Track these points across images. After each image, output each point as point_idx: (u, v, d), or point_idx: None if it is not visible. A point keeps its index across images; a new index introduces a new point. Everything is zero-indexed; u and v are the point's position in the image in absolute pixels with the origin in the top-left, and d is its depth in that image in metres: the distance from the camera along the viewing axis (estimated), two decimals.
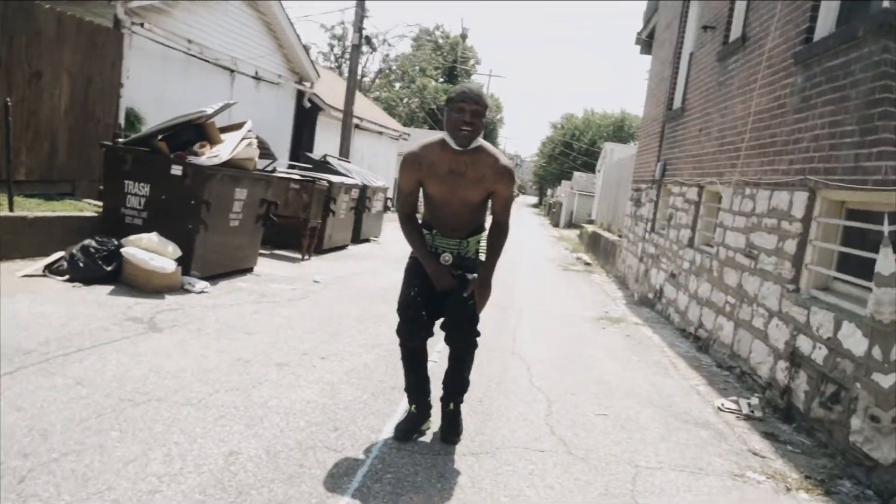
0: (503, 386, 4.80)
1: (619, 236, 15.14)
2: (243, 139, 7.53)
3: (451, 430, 3.62)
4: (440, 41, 57.06)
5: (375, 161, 23.62)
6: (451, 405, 3.65)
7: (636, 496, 3.28)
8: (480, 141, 3.35)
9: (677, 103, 10.50)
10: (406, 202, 3.54)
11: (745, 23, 7.39)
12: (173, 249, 6.44)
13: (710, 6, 8.93)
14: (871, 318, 3.91)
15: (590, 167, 55.02)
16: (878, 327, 3.83)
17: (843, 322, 4.23)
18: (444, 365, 3.69)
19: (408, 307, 3.50)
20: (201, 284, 6.68)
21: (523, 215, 56.01)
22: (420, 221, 3.65)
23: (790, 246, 5.21)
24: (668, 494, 3.35)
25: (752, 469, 3.77)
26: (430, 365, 3.76)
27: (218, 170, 6.92)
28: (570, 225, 40.19)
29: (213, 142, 7.31)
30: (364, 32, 18.38)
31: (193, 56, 12.14)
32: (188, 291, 6.47)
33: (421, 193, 3.57)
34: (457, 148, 3.27)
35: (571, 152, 62.22)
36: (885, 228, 3.94)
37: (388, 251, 12.83)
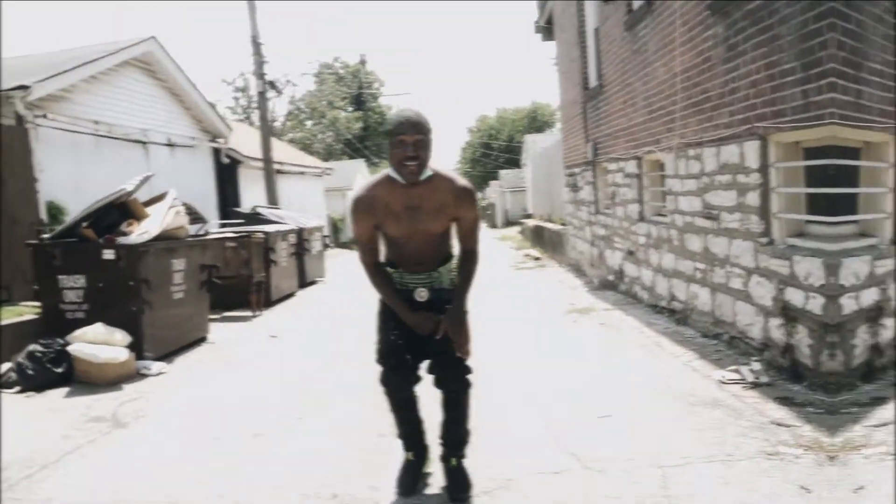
0: (493, 405, 4.44)
1: (563, 224, 15.02)
2: (170, 209, 7.28)
3: (459, 487, 3.25)
4: (341, 72, 56.84)
5: (304, 202, 23.13)
6: (454, 461, 3.30)
7: (673, 502, 2.99)
8: (431, 168, 3.06)
9: (594, 81, 10.39)
10: (367, 251, 3.21)
11: None
12: (122, 336, 6.17)
13: None
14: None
15: (514, 163, 55.50)
16: None
17: (843, 262, 4.04)
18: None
19: (389, 354, 3.22)
20: (157, 366, 6.35)
21: None
22: (384, 260, 3.33)
23: (752, 198, 5.02)
24: (705, 493, 3.05)
25: (785, 443, 3.50)
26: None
27: (150, 245, 6.71)
28: (508, 223, 40.29)
29: (140, 218, 7.08)
30: (266, 78, 18.09)
31: (103, 136, 11.67)
32: (146, 376, 6.12)
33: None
34: (404, 181, 3.03)
35: (492, 152, 62.63)
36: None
37: (336, 291, 12.43)
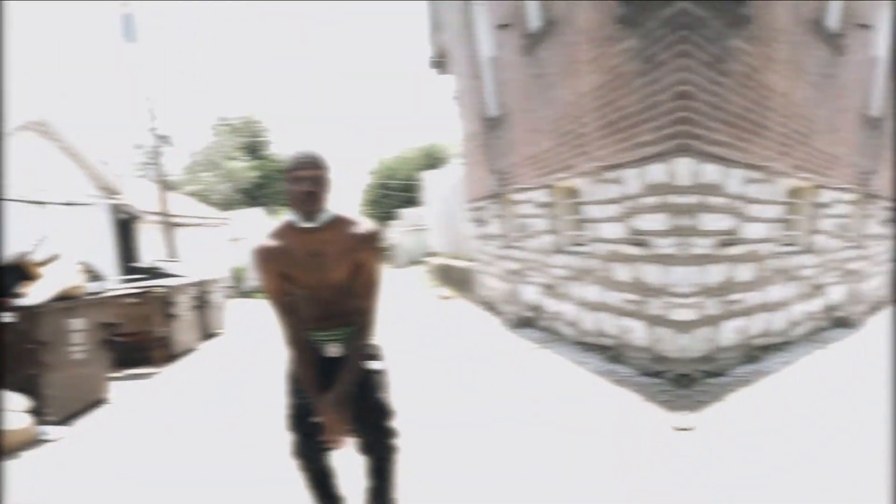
0: (430, 469, 3.76)
1: (471, 261, 14.56)
2: (64, 268, 7.23)
3: None
4: (235, 123, 56.73)
5: (204, 253, 22.70)
6: None
7: None
8: (333, 211, 2.94)
9: (494, 111, 9.99)
10: (280, 304, 2.97)
11: (544, 9, 6.93)
12: (20, 401, 5.94)
13: (500, 6, 8.49)
14: None
15: (413, 202, 55.33)
16: None
17: None
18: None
19: (301, 420, 2.95)
20: (56, 432, 6.10)
21: None
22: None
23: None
24: None
25: None
26: None
27: (47, 306, 6.58)
28: (411, 263, 39.77)
29: (35, 279, 6.97)
30: (158, 132, 18.19)
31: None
32: (45, 442, 5.87)
33: None
34: (305, 225, 2.88)
35: (391, 192, 62.44)
36: None
37: (238, 343, 11.76)
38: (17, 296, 6.61)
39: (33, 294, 6.66)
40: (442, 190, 18.34)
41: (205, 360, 10.22)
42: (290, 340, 2.95)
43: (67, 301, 7.02)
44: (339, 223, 2.93)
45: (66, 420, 6.55)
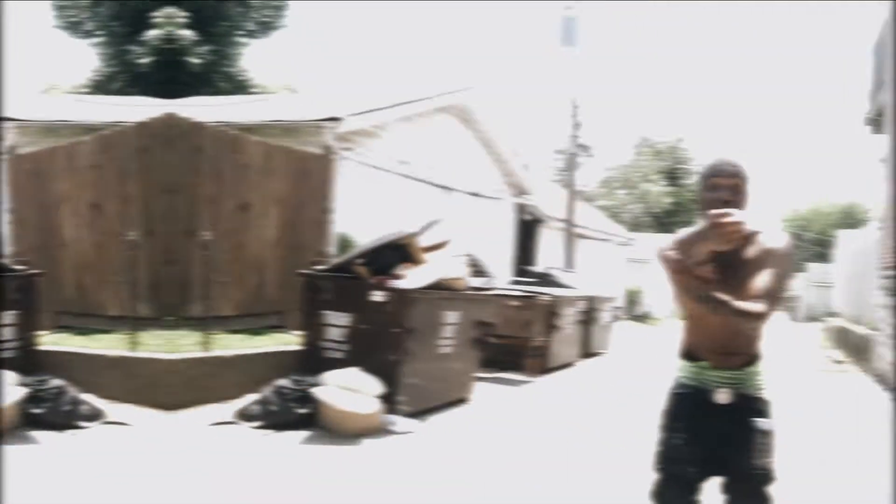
0: None
1: (872, 329, 13.73)
2: (450, 257, 7.09)
3: None
4: (659, 146, 57.16)
5: (602, 270, 23.37)
6: None
7: None
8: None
9: None
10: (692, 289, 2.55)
11: None
12: (374, 386, 5.94)
13: None
14: None
15: (822, 257, 51.01)
16: None
17: None
18: None
19: (670, 461, 2.73)
20: (406, 424, 6.05)
21: None
22: (680, 349, 2.86)
23: None
24: None
25: None
26: None
27: (423, 293, 6.37)
28: (810, 319, 37.17)
29: (418, 263, 6.77)
30: (579, 139, 18.50)
31: (406, 176, 12.08)
32: (390, 433, 5.87)
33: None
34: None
35: (801, 243, 58.13)
36: None
37: (620, 366, 12.08)
38: (395, 276, 6.35)
39: (411, 277, 6.38)
40: (855, 250, 17.28)
41: (581, 377, 10.14)
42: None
43: (445, 291, 6.71)
44: (754, 235, 2.58)
45: (420, 414, 6.31)
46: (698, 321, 2.70)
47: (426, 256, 6.91)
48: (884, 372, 11.60)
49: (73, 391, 5.81)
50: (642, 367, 11.98)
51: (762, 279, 2.52)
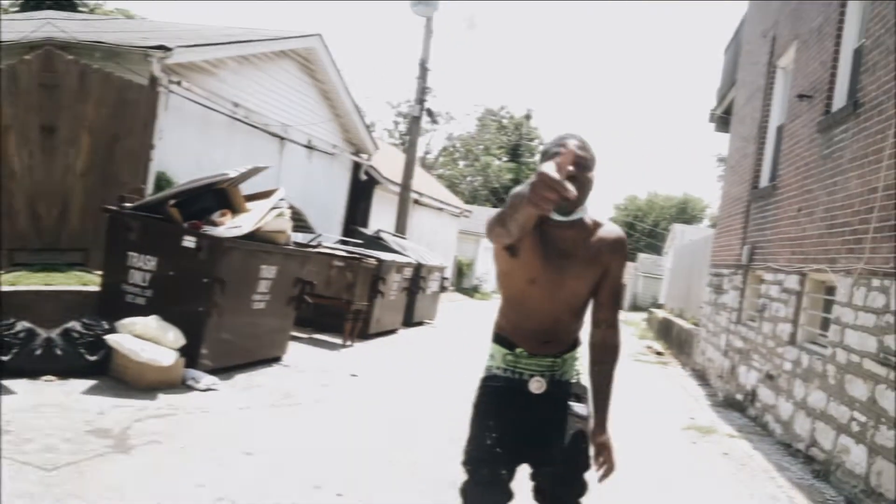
0: None
1: (695, 324, 13.88)
2: (273, 208, 6.65)
3: None
4: (504, 121, 57.38)
5: (435, 239, 22.94)
6: None
7: None
8: (587, 210, 2.43)
9: (765, 181, 9.44)
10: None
11: (855, 89, 6.41)
12: (175, 337, 5.52)
13: (805, 74, 7.97)
14: None
15: (653, 249, 53.77)
16: None
17: None
18: None
19: (481, 462, 2.45)
20: (207, 380, 5.68)
21: None
22: (495, 331, 2.64)
23: None
24: None
25: None
26: None
27: (239, 243, 6.02)
28: (634, 308, 38.75)
29: (237, 211, 6.46)
30: (426, 105, 17.75)
31: (238, 120, 11.41)
32: (191, 388, 5.48)
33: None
34: (557, 218, 2.34)
35: (634, 233, 61.06)
36: None
37: (444, 336, 11.89)
38: (211, 222, 6.06)
39: (228, 225, 6.08)
40: (685, 245, 17.59)
41: (400, 345, 10.02)
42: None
43: (264, 244, 6.44)
44: (593, 224, 2.46)
45: (225, 370, 6.05)
46: (519, 305, 2.51)
47: (247, 204, 6.57)
48: (699, 365, 11.58)
49: None
50: (466, 335, 12.22)
51: (610, 298, 2.50)
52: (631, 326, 23.37)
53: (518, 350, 2.53)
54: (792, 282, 7.30)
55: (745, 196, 10.16)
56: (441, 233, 24.54)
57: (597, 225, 2.47)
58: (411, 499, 3.93)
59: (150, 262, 5.89)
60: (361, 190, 17.04)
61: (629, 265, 45.92)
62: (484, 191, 52.47)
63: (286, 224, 6.89)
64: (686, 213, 61.05)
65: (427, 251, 15.07)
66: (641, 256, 42.71)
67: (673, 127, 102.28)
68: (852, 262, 5.66)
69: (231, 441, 4.46)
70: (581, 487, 2.47)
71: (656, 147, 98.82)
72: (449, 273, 20.62)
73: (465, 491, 2.47)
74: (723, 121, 13.95)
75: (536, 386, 2.49)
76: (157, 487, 3.54)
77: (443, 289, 14.63)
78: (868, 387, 5.06)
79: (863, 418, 5.07)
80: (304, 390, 6.24)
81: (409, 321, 12.25)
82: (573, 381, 2.57)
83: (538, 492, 2.51)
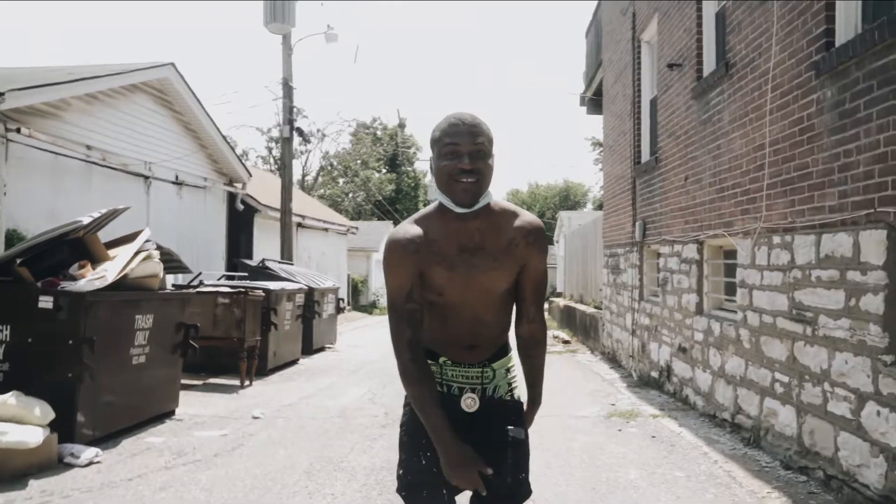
0: None
1: (597, 308, 13.93)
2: (138, 252, 6.09)
3: None
4: (378, 133, 57.14)
5: (324, 260, 22.34)
6: None
7: None
8: (491, 195, 2.16)
9: (647, 155, 9.48)
10: (404, 314, 2.15)
11: (724, 50, 6.41)
12: (43, 411, 4.86)
13: (671, 44, 7.99)
14: None
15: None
16: None
17: None
18: None
19: (418, 486, 2.20)
20: (89, 453, 5.05)
21: None
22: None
23: (873, 302, 3.94)
24: None
25: None
26: None
27: (104, 295, 5.44)
28: None
29: (98, 260, 5.91)
30: (295, 124, 17.24)
31: (94, 163, 10.52)
32: (70, 466, 4.83)
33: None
34: (458, 210, 2.12)
35: None
36: None
37: (347, 360, 11.33)
38: (70, 277, 5.53)
39: (89, 278, 5.52)
40: (575, 231, 17.75)
41: (303, 376, 9.51)
42: (410, 370, 2.14)
43: (135, 291, 5.93)
44: (499, 211, 2.21)
45: (110, 437, 5.53)
46: (436, 312, 2.24)
47: (110, 252, 6.09)
48: (609, 348, 11.57)
49: None
50: (370, 355, 11.84)
51: (533, 293, 2.30)
52: None
53: (441, 359, 2.29)
54: (690, 251, 7.25)
55: (628, 173, 10.19)
56: (330, 253, 23.94)
57: (506, 212, 2.23)
58: None
59: (3, 332, 5.24)
60: (240, 220, 16.24)
61: None
62: (368, 205, 52.03)
63: (157, 267, 6.33)
64: (569, 199, 62.59)
65: (318, 274, 14.59)
66: None
67: (545, 116, 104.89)
68: (749, 223, 5.59)
69: None
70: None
71: (531, 139, 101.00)
72: (344, 293, 20.12)
73: None
74: (594, 103, 14.09)
75: (468, 403, 2.26)
76: None
77: (339, 310, 14.17)
78: (786, 346, 4.96)
79: (785, 378, 4.96)
80: (200, 444, 5.63)
81: (309, 349, 11.76)
82: (507, 397, 2.34)
83: None
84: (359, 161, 54.40)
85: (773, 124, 5.15)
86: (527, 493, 2.25)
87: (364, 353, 12.42)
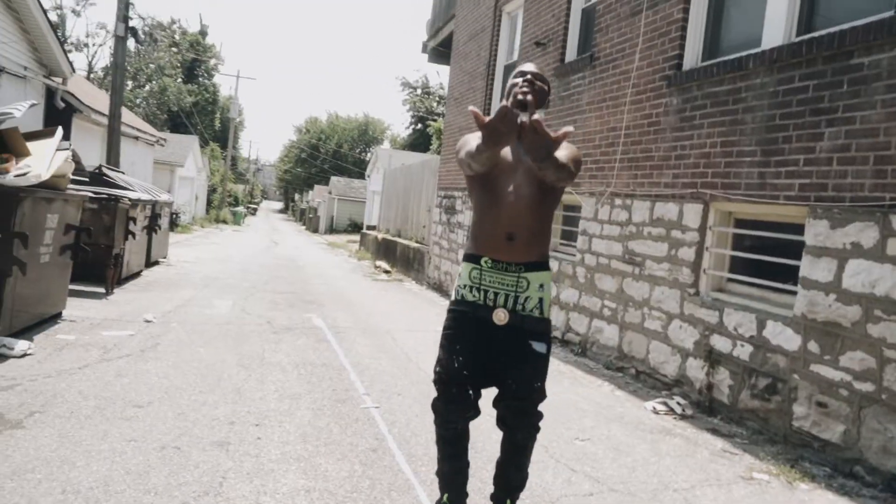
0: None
1: (419, 242, 15.38)
2: (59, 150, 6.14)
3: None
4: (177, 38, 53.49)
5: (132, 171, 21.36)
6: (509, 502, 2.96)
7: None
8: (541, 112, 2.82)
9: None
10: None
11: (589, 44, 7.88)
12: None
13: (538, 23, 9.40)
14: (802, 317, 4.42)
15: (341, 171, 55.39)
16: (813, 325, 4.33)
17: (768, 321, 4.73)
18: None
19: (450, 383, 2.79)
20: (22, 345, 5.16)
21: (273, 222, 54.50)
22: (464, 255, 2.93)
23: (686, 253, 5.69)
24: None
25: (755, 469, 4.07)
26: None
27: (30, 191, 5.38)
28: (331, 231, 40.09)
29: (19, 154, 5.82)
30: (130, 22, 16.37)
31: None
32: (6, 358, 4.94)
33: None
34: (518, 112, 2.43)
35: (320, 154, 62.13)
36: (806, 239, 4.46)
37: (188, 274, 11.71)
38: None
39: (15, 171, 5.49)
40: (398, 170, 19.02)
41: (152, 286, 9.64)
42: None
43: (49, 191, 5.89)
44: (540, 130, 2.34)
45: (20, 332, 5.58)
46: (488, 210, 2.80)
47: (29, 146, 6.00)
48: (435, 279, 13.11)
49: None
50: (204, 270, 12.50)
51: (563, 153, 2.63)
52: (339, 249, 24.56)
53: (483, 260, 2.79)
54: None
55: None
56: (139, 164, 22.85)
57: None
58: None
59: None
60: (59, 119, 14.83)
61: (322, 189, 47.03)
62: (163, 115, 49.01)
63: (70, 168, 6.48)
64: (368, 134, 63.24)
65: (153, 187, 14.27)
66: (334, 179, 43.98)
67: (356, 49, 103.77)
68: (596, 187, 7.23)
69: (109, 397, 4.33)
70: (536, 418, 2.85)
71: (338, 68, 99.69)
72: (175, 207, 19.62)
73: (436, 406, 2.85)
74: (439, 53, 15.27)
75: (500, 317, 2.74)
76: (88, 450, 3.51)
77: (174, 225, 14.22)
78: (616, 281, 6.70)
79: (613, 305, 6.71)
80: (117, 342, 5.87)
81: (148, 262, 11.73)
82: (535, 315, 2.80)
83: (500, 420, 2.89)
84: (152, 66, 51.01)
85: (628, 114, 6.77)
86: (542, 396, 2.82)
87: (200, 268, 12.86)
